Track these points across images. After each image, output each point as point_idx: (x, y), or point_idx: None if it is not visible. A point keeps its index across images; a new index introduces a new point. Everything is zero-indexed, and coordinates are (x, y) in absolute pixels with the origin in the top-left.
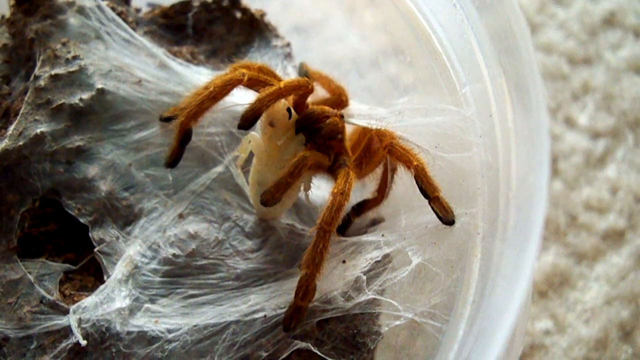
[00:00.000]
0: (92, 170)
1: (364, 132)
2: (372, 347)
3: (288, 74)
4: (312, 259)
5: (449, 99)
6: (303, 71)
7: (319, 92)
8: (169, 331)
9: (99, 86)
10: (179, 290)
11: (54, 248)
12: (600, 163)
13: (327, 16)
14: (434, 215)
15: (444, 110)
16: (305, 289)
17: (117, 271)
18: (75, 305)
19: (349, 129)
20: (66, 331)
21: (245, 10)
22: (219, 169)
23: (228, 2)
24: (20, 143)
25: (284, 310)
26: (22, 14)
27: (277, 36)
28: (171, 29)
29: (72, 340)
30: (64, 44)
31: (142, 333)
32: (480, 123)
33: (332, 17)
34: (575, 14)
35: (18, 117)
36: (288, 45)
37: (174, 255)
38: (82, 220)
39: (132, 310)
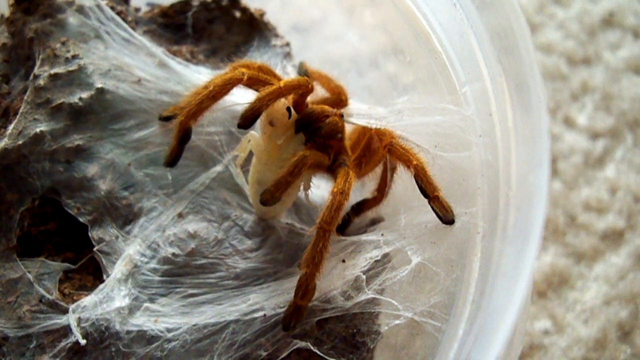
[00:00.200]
0: (91, 170)
1: (364, 131)
2: (371, 347)
3: (287, 73)
4: (312, 258)
5: (449, 99)
6: (302, 70)
7: (319, 92)
8: (169, 330)
9: (99, 85)
10: (178, 290)
11: (54, 247)
12: (599, 163)
13: (327, 15)
14: (434, 215)
15: (444, 110)
16: (305, 288)
17: (117, 270)
18: (75, 304)
19: (348, 129)
20: (65, 330)
21: (244, 10)
22: (219, 168)
23: (227, 1)
24: (20, 142)
25: (283, 309)
26: (21, 13)
27: (276, 35)
28: (170, 28)
29: (72, 339)
30: (63, 43)
31: (141, 332)
32: (480, 122)
33: (331, 16)
34: (575, 14)
35: (17, 116)
36: (287, 44)
37: (173, 254)
38: (81, 220)
39: (131, 310)
